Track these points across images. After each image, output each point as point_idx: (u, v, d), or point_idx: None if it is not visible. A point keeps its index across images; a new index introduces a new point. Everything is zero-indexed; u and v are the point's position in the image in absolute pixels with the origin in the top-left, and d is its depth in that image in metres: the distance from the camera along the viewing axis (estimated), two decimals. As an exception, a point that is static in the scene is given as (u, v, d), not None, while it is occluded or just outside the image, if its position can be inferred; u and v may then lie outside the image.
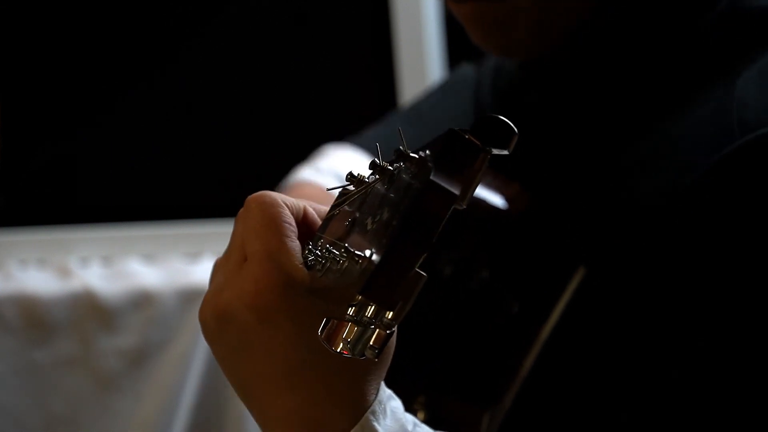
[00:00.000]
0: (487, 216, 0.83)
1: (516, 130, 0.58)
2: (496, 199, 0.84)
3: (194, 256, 2.14)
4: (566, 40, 0.86)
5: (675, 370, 0.76)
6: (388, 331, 0.58)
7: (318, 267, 0.63)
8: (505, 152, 0.58)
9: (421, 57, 2.12)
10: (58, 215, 2.24)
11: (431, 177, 0.55)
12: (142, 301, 2.08)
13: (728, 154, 0.74)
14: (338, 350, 0.59)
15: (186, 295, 2.07)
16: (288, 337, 0.66)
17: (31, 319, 2.08)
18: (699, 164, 0.76)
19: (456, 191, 0.55)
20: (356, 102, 2.18)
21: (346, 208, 0.65)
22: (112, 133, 2.25)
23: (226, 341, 0.68)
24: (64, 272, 2.12)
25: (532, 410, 0.81)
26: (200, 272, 2.09)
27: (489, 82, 1.04)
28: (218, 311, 0.67)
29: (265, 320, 0.66)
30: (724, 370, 0.74)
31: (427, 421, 0.82)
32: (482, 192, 0.84)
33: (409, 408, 0.81)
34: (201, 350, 2.06)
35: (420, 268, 0.83)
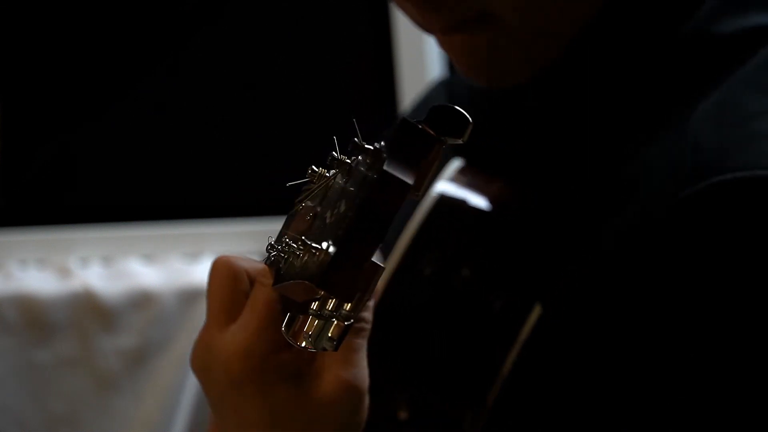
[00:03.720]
0: (467, 214, 0.83)
1: (470, 119, 0.58)
2: (477, 198, 0.83)
3: (194, 256, 2.14)
4: (550, 64, 0.84)
5: (653, 382, 0.76)
6: (346, 323, 0.58)
7: (281, 263, 0.63)
8: (460, 141, 0.58)
9: (421, 57, 2.12)
10: (58, 215, 2.24)
11: (384, 167, 0.55)
12: (142, 301, 2.08)
13: (685, 198, 0.73)
14: (302, 345, 0.60)
15: (186, 295, 2.07)
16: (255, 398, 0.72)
17: (31, 319, 2.08)
18: (652, 205, 0.76)
19: (410, 181, 0.55)
20: (356, 102, 2.18)
21: (308, 203, 0.65)
22: (112, 133, 2.26)
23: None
24: (64, 272, 2.12)
25: (515, 408, 0.81)
26: (200, 272, 2.09)
27: (465, 94, 1.03)
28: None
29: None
30: (686, 404, 0.74)
31: (409, 420, 0.82)
32: (463, 190, 0.83)
33: (391, 407, 0.80)
34: (201, 350, 2.06)
35: (402, 267, 0.83)
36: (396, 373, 0.80)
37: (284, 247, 0.62)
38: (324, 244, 0.56)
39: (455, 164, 0.86)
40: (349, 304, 0.57)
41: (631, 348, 0.76)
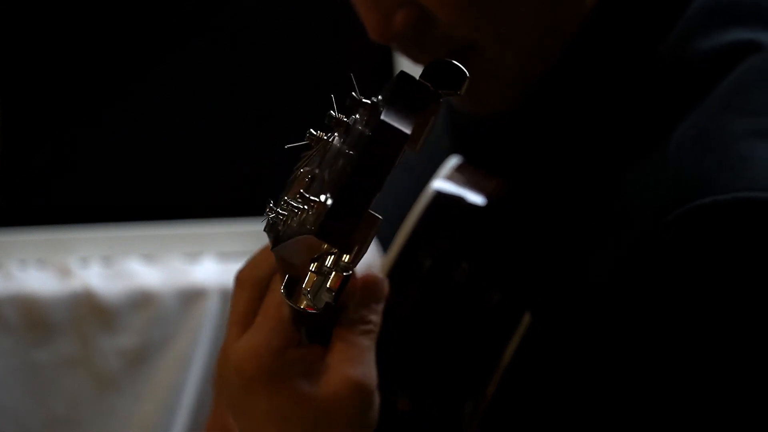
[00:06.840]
0: (466, 208, 0.83)
1: (467, 73, 0.59)
2: (474, 192, 0.84)
3: (194, 256, 2.14)
4: (528, 93, 0.85)
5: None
6: (345, 274, 0.57)
7: (279, 226, 0.63)
8: (457, 94, 0.59)
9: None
10: (58, 215, 2.25)
11: (382, 117, 0.55)
12: (142, 301, 2.09)
13: (667, 223, 0.74)
14: (302, 306, 0.60)
15: (186, 295, 2.08)
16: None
17: (31, 319, 2.09)
18: (637, 231, 0.76)
19: (407, 131, 0.55)
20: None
21: (307, 168, 0.65)
22: (112, 133, 2.26)
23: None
24: (64, 272, 2.12)
25: (515, 399, 0.81)
26: (200, 272, 2.10)
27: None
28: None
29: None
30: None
31: (410, 412, 0.81)
32: (461, 185, 0.84)
33: (392, 399, 0.80)
34: (201, 350, 2.06)
35: (401, 260, 0.83)
36: (395, 366, 0.80)
37: (283, 208, 0.62)
38: (322, 197, 0.55)
39: (452, 161, 0.87)
40: (348, 256, 0.57)
41: (620, 355, 0.77)
